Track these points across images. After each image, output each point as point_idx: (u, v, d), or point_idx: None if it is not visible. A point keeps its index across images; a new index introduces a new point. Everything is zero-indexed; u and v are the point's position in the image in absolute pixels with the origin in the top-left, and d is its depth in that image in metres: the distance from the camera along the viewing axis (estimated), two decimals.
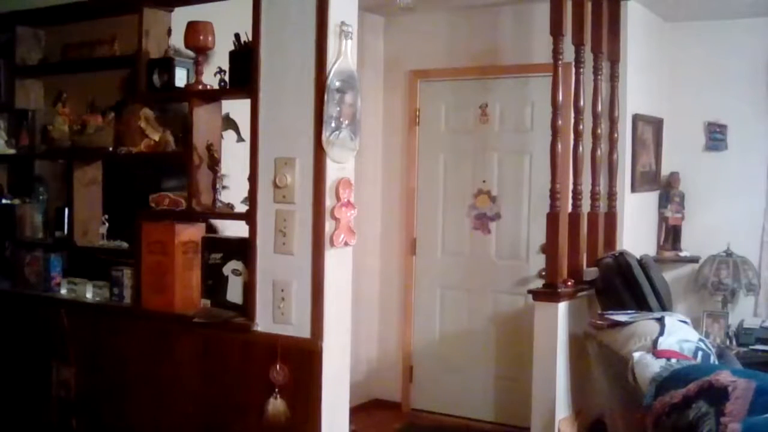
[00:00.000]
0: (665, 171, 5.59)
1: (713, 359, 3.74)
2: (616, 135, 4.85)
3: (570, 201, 4.54)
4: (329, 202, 2.74)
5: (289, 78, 2.79)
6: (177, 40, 3.20)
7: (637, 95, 5.17)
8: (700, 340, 3.83)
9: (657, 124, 5.51)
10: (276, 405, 2.78)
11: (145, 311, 3.16)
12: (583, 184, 4.52)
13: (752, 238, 5.40)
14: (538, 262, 5.06)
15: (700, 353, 3.67)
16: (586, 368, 4.35)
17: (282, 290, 2.81)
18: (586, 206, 4.61)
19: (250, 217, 2.87)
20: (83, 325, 3.37)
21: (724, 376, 3.04)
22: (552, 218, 4.34)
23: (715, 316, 5.30)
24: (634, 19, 5.05)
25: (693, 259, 5.47)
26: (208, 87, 3.07)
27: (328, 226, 2.74)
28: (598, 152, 4.68)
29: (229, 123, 3.60)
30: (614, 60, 4.84)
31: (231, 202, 3.09)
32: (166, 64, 3.19)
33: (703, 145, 5.57)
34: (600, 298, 4.52)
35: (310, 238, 2.76)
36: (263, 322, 2.86)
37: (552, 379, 4.25)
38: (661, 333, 3.74)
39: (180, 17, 3.28)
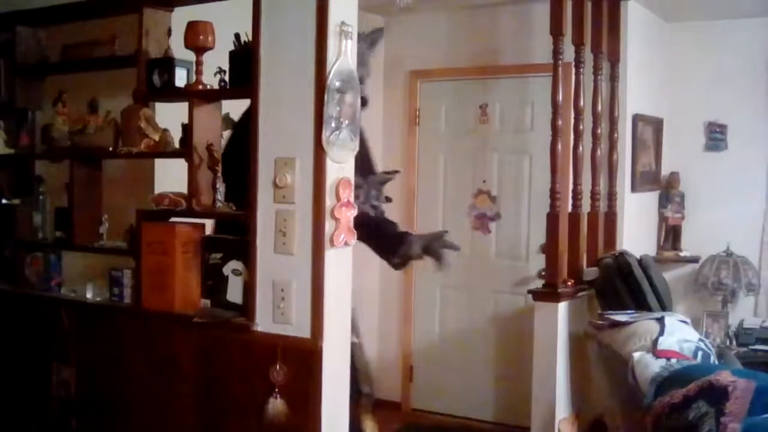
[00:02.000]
0: (665, 171, 5.59)
1: (713, 359, 3.75)
2: (616, 135, 4.85)
3: (570, 201, 4.54)
4: (329, 202, 2.73)
5: (289, 78, 2.78)
6: (177, 40, 3.20)
7: (637, 95, 5.17)
8: (700, 340, 3.83)
9: (657, 124, 5.51)
10: (276, 405, 2.78)
11: (145, 311, 3.15)
12: (583, 184, 4.52)
13: (752, 238, 5.40)
14: (538, 262, 5.05)
15: (700, 353, 3.67)
16: (586, 368, 4.35)
17: (282, 290, 2.81)
18: (586, 206, 4.61)
19: (249, 217, 2.87)
20: (83, 325, 3.36)
21: (724, 376, 3.05)
22: (552, 218, 4.34)
23: (715, 316, 5.30)
24: (634, 19, 5.05)
25: (693, 259, 5.47)
26: (208, 87, 3.07)
27: (328, 226, 2.74)
28: (598, 152, 4.68)
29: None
30: (614, 60, 4.84)
31: None
32: (166, 64, 3.19)
33: (703, 145, 5.57)
34: (600, 298, 4.52)
35: (310, 238, 2.75)
36: (263, 322, 2.86)
37: (552, 379, 4.26)
38: (661, 333, 3.75)
39: (180, 17, 3.28)
